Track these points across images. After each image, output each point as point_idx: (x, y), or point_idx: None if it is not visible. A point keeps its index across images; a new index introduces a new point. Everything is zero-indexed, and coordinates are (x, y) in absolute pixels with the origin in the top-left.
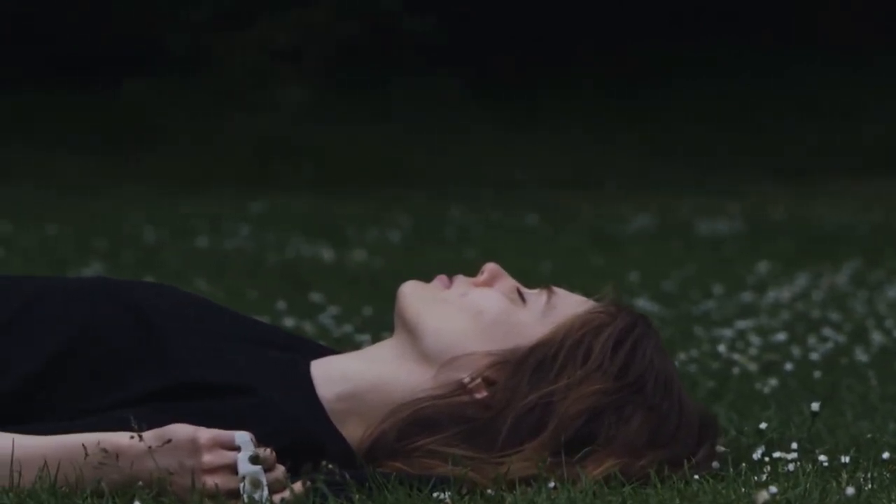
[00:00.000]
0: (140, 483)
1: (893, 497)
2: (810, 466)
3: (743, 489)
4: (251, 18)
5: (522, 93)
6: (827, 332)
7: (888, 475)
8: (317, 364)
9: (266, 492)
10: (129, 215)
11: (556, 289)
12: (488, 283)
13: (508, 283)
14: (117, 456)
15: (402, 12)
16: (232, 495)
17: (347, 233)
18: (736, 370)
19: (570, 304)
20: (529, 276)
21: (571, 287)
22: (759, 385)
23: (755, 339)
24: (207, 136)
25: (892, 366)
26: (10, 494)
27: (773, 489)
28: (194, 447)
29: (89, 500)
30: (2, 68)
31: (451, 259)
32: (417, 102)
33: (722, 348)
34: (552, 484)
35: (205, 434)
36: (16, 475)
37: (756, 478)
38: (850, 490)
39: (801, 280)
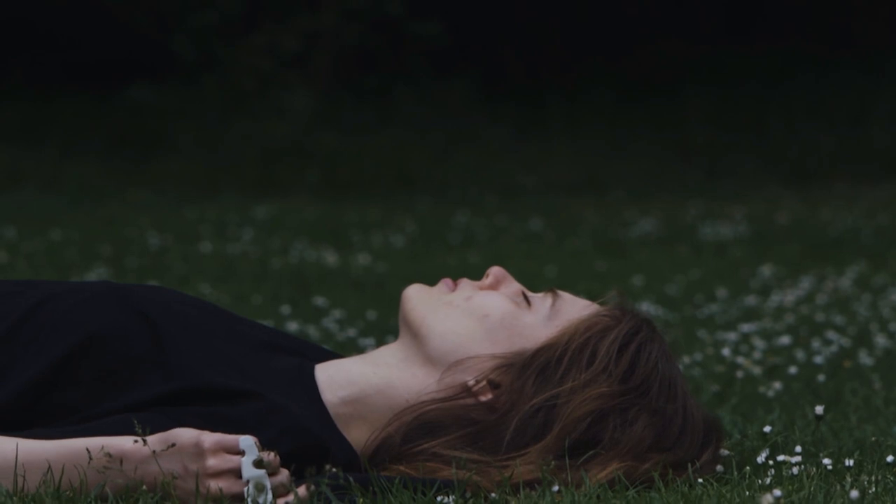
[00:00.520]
0: (144, 487)
1: None
2: (814, 470)
3: (747, 492)
4: (258, 24)
5: (529, 98)
6: (831, 335)
7: (892, 478)
8: (321, 368)
9: (270, 496)
10: (134, 220)
11: (560, 292)
12: (493, 287)
13: (513, 286)
14: (121, 460)
15: (409, 17)
16: (236, 499)
17: (352, 237)
18: (740, 374)
19: (575, 308)
20: (534, 280)
21: (576, 291)
22: (763, 388)
23: (759, 343)
24: (213, 141)
25: None
26: (15, 498)
27: (778, 492)
28: (198, 451)
29: None
30: (8, 74)
31: (456, 263)
32: (423, 107)
33: (726, 352)
34: (556, 487)
35: (209, 438)
36: (20, 479)
37: (760, 481)
38: (854, 493)
39: (806, 284)
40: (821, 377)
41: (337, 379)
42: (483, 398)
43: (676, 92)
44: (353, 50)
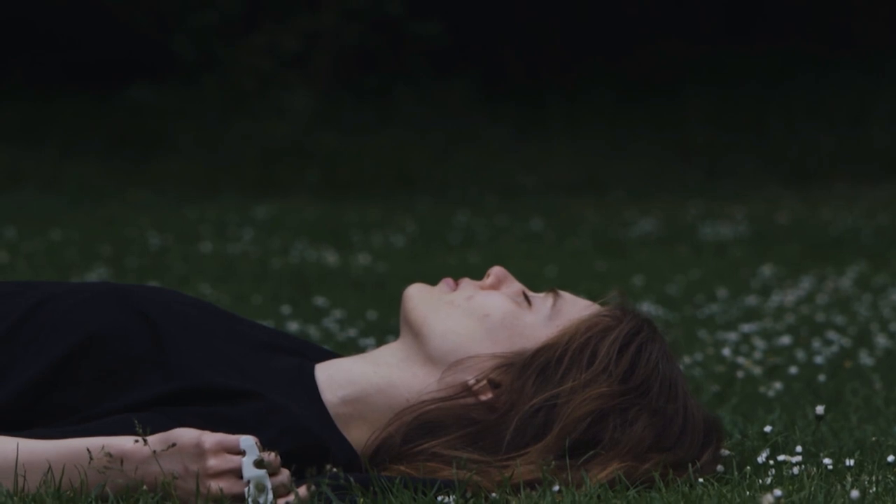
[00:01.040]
0: (144, 487)
1: None
2: (815, 470)
3: (747, 492)
4: (258, 24)
5: (529, 98)
6: (831, 335)
7: (893, 478)
8: (321, 368)
9: (271, 496)
10: (134, 220)
11: (561, 292)
12: (494, 287)
13: (514, 286)
14: (122, 460)
15: (409, 17)
16: (237, 499)
17: (352, 237)
18: (740, 374)
19: (575, 308)
20: (535, 280)
21: (576, 291)
22: (763, 388)
23: (760, 343)
24: (213, 141)
25: None
26: (16, 498)
27: (778, 492)
28: (199, 451)
29: None
30: (8, 74)
31: (456, 263)
32: (423, 107)
33: (726, 352)
34: (556, 487)
35: (210, 438)
36: (21, 479)
37: (760, 481)
38: (855, 493)
39: (806, 284)
40: (821, 377)
41: (337, 378)
42: (483, 397)
43: (676, 92)
44: (353, 50)
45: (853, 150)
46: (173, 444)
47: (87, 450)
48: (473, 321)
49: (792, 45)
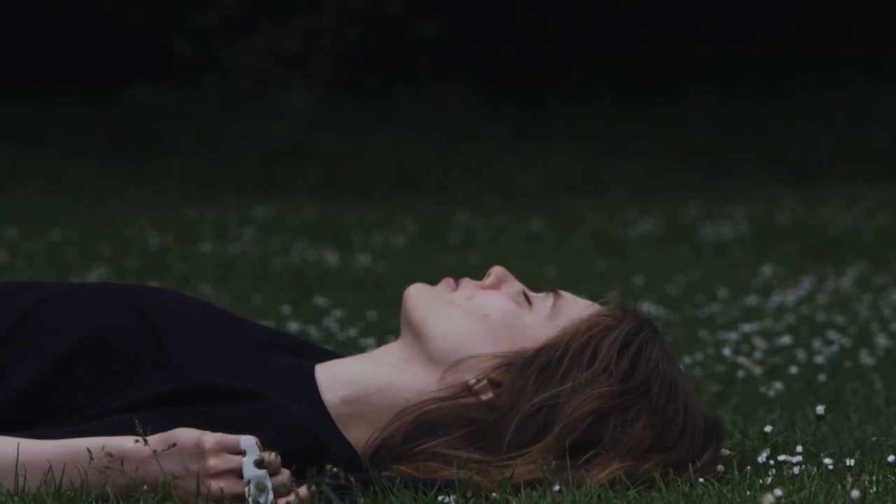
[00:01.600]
0: (145, 487)
1: None
2: (815, 470)
3: (748, 492)
4: (258, 24)
5: (529, 98)
6: (832, 335)
7: (893, 478)
8: (322, 368)
9: (271, 496)
10: (134, 220)
11: (562, 292)
12: (494, 287)
13: (515, 286)
14: (122, 460)
15: (409, 17)
16: (237, 499)
17: (353, 237)
18: (741, 373)
19: (576, 308)
20: (535, 280)
21: (576, 291)
22: (763, 388)
23: (760, 343)
24: (213, 141)
25: None
26: (16, 498)
27: (778, 492)
28: (199, 451)
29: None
30: (8, 74)
31: (456, 263)
32: (423, 107)
33: (727, 352)
34: (557, 487)
35: (210, 438)
36: (21, 479)
37: (761, 481)
38: (855, 493)
39: (806, 284)
40: (821, 377)
41: (338, 378)
42: (484, 397)
43: (676, 92)
44: (353, 50)
45: (853, 150)
46: (174, 444)
47: (88, 450)
48: (474, 321)
49: (792, 45)
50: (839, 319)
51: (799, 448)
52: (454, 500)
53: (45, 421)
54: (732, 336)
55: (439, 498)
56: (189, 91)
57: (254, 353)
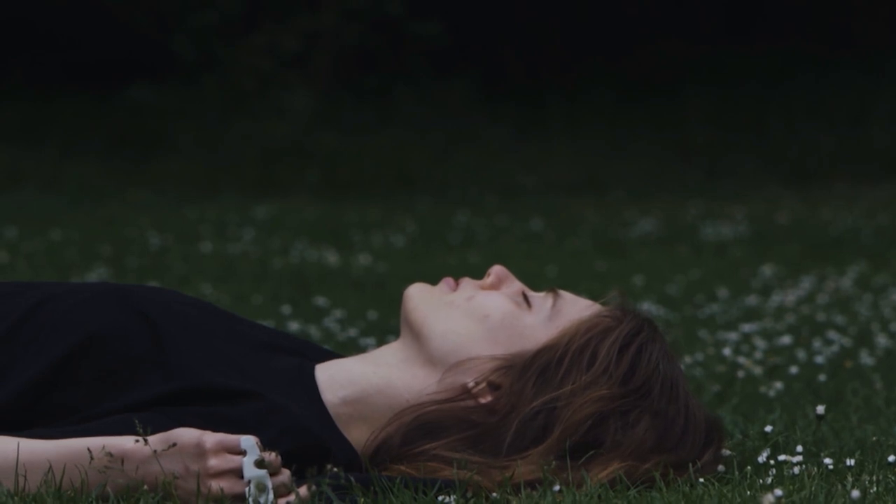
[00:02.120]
0: (145, 487)
1: None
2: (815, 469)
3: (748, 492)
4: (258, 24)
5: (529, 98)
6: (832, 335)
7: (893, 478)
8: (322, 368)
9: (271, 496)
10: (134, 220)
11: (561, 292)
12: (494, 286)
13: (514, 286)
14: (122, 460)
15: (409, 17)
16: (237, 499)
17: (353, 237)
18: (741, 373)
19: (575, 308)
20: (535, 280)
21: (576, 291)
22: (764, 388)
23: (760, 343)
24: (213, 141)
25: None
26: (16, 498)
27: (779, 492)
28: (200, 451)
29: None
30: (8, 74)
31: (456, 263)
32: (423, 107)
33: (727, 352)
34: (557, 487)
35: (210, 438)
36: (21, 479)
37: (761, 481)
38: (856, 493)
39: (806, 284)
40: (822, 377)
41: (338, 378)
42: (483, 400)
43: (676, 92)
44: (353, 50)
45: (853, 150)
46: (174, 444)
47: (88, 450)
48: (473, 322)
49: (792, 45)
50: (839, 319)
51: (799, 448)
52: (454, 500)
53: (45, 421)
54: (733, 336)
55: (439, 498)
56: (189, 91)
57: (254, 353)
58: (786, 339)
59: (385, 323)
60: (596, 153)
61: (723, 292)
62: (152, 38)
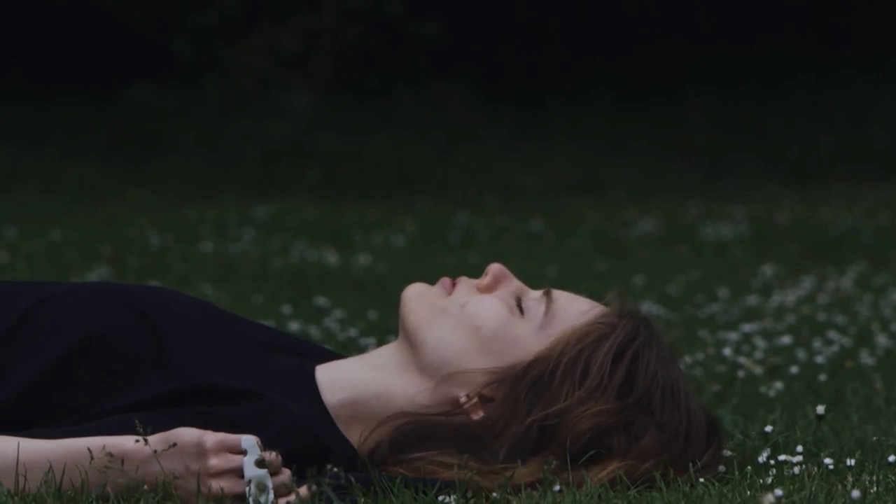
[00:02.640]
0: (145, 487)
1: None
2: (816, 469)
3: (748, 492)
4: (258, 24)
5: (529, 98)
6: (832, 335)
7: (893, 478)
8: (322, 369)
9: (272, 495)
10: (134, 220)
11: (556, 295)
12: (490, 287)
13: (511, 285)
14: (122, 460)
15: (409, 17)
16: (238, 499)
17: (353, 237)
18: (741, 373)
19: (569, 315)
20: (535, 280)
21: (577, 291)
22: (764, 388)
23: (760, 343)
24: (213, 141)
25: None
26: (17, 498)
27: (779, 492)
28: (200, 451)
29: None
30: (8, 74)
31: (456, 263)
32: (423, 107)
33: (727, 352)
34: (557, 487)
35: (211, 438)
36: (21, 479)
37: (761, 481)
38: (856, 493)
39: (806, 284)
40: (822, 377)
41: (337, 381)
42: (475, 416)
43: (676, 92)
44: (353, 50)
45: (853, 150)
46: (174, 444)
47: (88, 449)
48: (465, 333)
49: (792, 45)
50: (839, 319)
51: (799, 448)
52: (454, 500)
53: (45, 421)
54: (733, 336)
55: (439, 498)
56: (189, 91)
57: (254, 353)
58: (786, 339)
59: (385, 323)
60: (596, 153)
61: (723, 292)
62: (152, 38)
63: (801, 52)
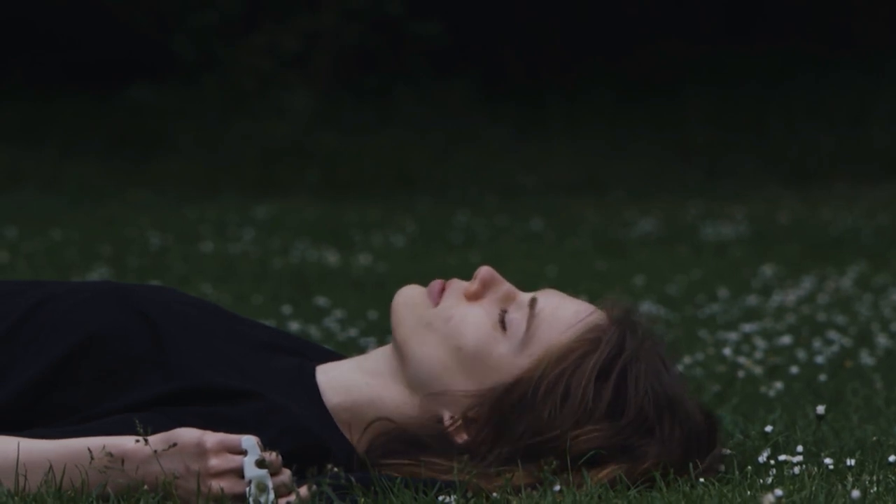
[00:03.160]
0: (145, 487)
1: None
2: (816, 469)
3: (748, 492)
4: (258, 24)
5: (529, 98)
6: (832, 335)
7: (894, 478)
8: (322, 370)
9: (272, 495)
10: (134, 220)
11: (541, 305)
12: (479, 294)
13: (498, 293)
14: (123, 460)
15: (409, 17)
16: (238, 499)
17: (353, 237)
18: (741, 373)
19: (553, 329)
20: (535, 280)
21: (577, 291)
22: (764, 388)
23: (760, 343)
24: (213, 141)
25: None
26: (17, 498)
27: (779, 492)
28: (200, 451)
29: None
30: (8, 74)
31: (456, 263)
32: (423, 107)
33: (727, 352)
34: (557, 487)
35: (211, 438)
36: (21, 479)
37: (761, 481)
38: (856, 493)
39: (807, 284)
40: (822, 377)
41: (335, 384)
42: (459, 440)
43: (676, 92)
44: (353, 50)
45: (853, 150)
46: (174, 444)
47: (88, 449)
48: (448, 352)
49: (792, 45)
50: (839, 319)
51: (799, 448)
52: (454, 500)
53: (45, 421)
54: (733, 336)
55: (440, 498)
56: (189, 91)
57: (254, 353)
58: (786, 339)
59: (385, 323)
60: (596, 153)
61: (723, 292)
62: (152, 38)
63: (801, 52)
